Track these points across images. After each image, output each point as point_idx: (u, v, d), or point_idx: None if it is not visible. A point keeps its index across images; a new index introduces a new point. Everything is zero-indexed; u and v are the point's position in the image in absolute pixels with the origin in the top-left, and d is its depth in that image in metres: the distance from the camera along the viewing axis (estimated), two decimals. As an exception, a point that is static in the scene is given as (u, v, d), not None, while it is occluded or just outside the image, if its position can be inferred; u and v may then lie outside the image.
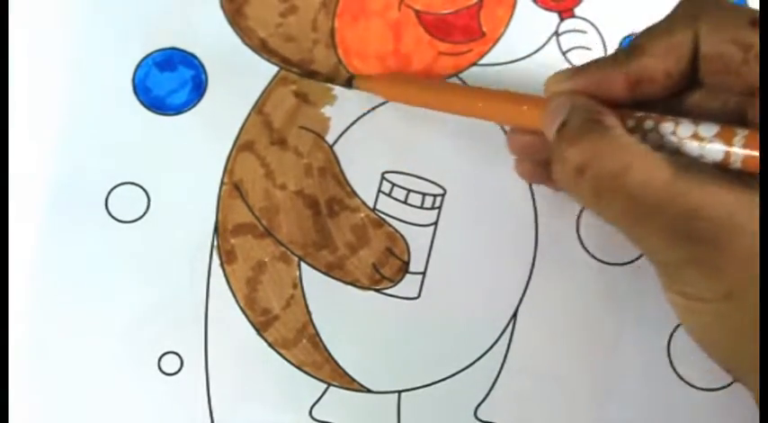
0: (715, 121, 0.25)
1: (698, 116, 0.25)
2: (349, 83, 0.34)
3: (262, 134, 0.34)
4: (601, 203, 0.25)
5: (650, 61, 0.26)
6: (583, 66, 0.28)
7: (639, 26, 0.36)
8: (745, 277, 0.23)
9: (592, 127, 0.25)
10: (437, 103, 0.32)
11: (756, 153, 0.23)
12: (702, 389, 0.33)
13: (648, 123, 0.25)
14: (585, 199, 0.25)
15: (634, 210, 0.24)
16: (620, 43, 0.36)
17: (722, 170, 0.24)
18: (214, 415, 0.32)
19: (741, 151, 0.23)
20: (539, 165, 0.32)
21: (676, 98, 0.27)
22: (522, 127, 0.30)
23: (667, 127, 0.25)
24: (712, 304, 0.24)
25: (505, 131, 0.35)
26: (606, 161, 0.24)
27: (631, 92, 0.26)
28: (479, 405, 0.33)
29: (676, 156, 0.24)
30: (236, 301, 0.33)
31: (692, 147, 0.24)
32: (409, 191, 0.34)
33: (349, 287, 0.33)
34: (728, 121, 0.25)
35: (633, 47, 0.26)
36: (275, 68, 0.34)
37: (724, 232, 0.22)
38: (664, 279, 0.25)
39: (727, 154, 0.24)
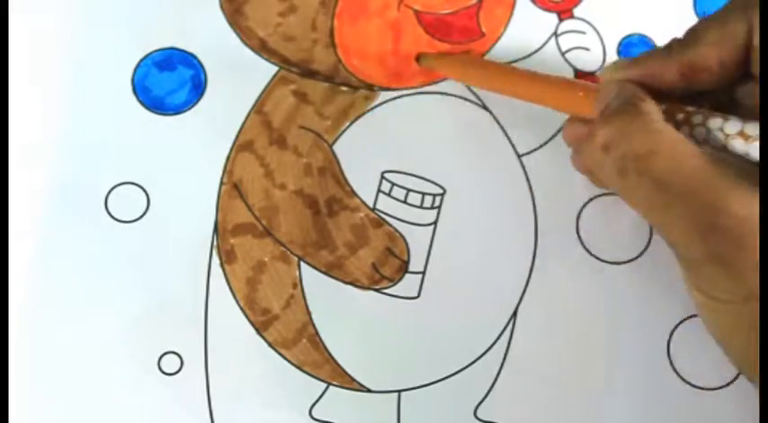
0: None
1: (748, 111, 0.25)
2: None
3: (261, 134, 0.34)
4: (625, 184, 0.25)
5: (705, 50, 0.26)
6: (639, 56, 0.28)
7: (638, 27, 0.37)
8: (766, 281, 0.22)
9: (626, 109, 0.25)
10: (497, 87, 0.32)
11: None
12: (702, 388, 0.33)
13: (697, 118, 0.25)
14: (610, 177, 0.25)
15: (658, 195, 0.24)
16: (619, 45, 0.36)
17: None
18: (214, 415, 0.32)
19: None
20: None
21: (729, 90, 0.27)
22: (575, 114, 0.30)
23: (715, 123, 0.25)
24: (731, 305, 0.23)
25: (506, 132, 0.35)
26: (633, 142, 0.24)
27: (685, 81, 0.26)
28: (479, 404, 0.33)
29: (719, 151, 0.24)
30: (236, 301, 0.33)
31: (738, 144, 0.24)
32: (409, 190, 0.34)
33: (349, 287, 0.33)
34: None
35: (688, 36, 0.26)
36: (275, 68, 0.34)
37: (748, 233, 0.22)
38: (685, 273, 0.25)
39: None
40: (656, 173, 0.23)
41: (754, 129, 0.24)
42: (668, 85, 0.27)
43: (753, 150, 0.24)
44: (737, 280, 0.23)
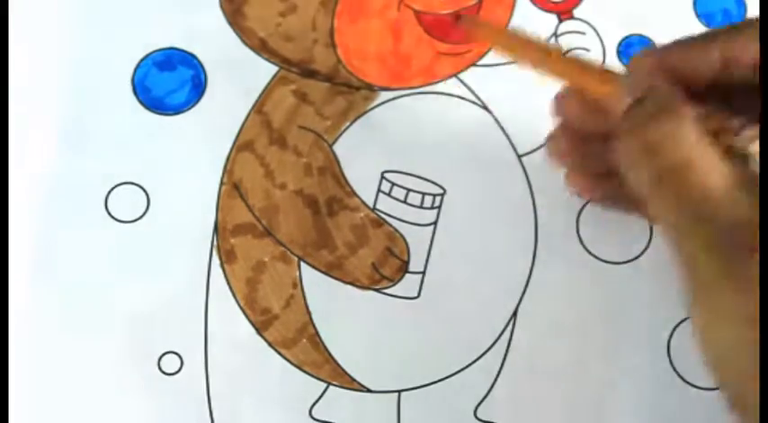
0: None
1: None
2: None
3: (261, 134, 0.34)
4: (657, 192, 0.24)
5: (744, 41, 0.25)
6: (674, 41, 0.26)
7: (638, 28, 0.37)
8: None
9: (669, 111, 0.24)
10: (530, 59, 0.30)
11: None
12: (702, 388, 0.33)
13: (731, 123, 0.24)
14: (643, 183, 0.24)
15: (687, 209, 0.23)
16: (619, 45, 0.37)
17: None
18: (214, 415, 0.32)
19: None
20: (594, 178, 0.31)
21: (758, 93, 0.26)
22: (588, 89, 0.28)
23: (748, 135, 0.24)
24: (735, 325, 0.23)
25: (506, 132, 0.35)
26: (675, 151, 0.23)
27: (720, 72, 0.25)
28: (479, 404, 0.33)
29: (744, 165, 0.23)
30: (236, 301, 0.33)
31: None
32: (409, 190, 0.34)
33: (349, 287, 0.33)
34: None
35: (730, 26, 0.26)
36: (275, 68, 0.34)
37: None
38: (694, 292, 0.24)
39: None
40: (689, 186, 0.23)
41: None
42: (700, 74, 0.25)
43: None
44: (746, 299, 0.22)
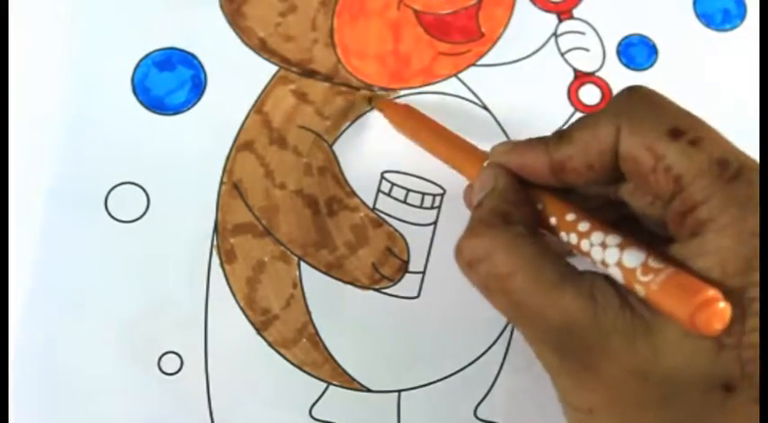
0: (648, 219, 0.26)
1: (633, 209, 0.26)
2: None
3: (261, 134, 0.34)
4: (490, 299, 0.26)
5: (573, 150, 0.26)
6: (520, 143, 0.28)
7: (638, 27, 0.37)
8: (606, 398, 0.23)
9: (493, 222, 0.25)
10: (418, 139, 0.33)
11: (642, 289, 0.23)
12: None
13: (583, 225, 0.25)
14: (477, 289, 0.26)
15: (518, 313, 0.25)
16: (619, 45, 0.37)
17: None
18: (214, 414, 0.32)
19: (618, 272, 0.23)
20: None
21: (612, 186, 0.27)
22: (461, 173, 0.30)
23: (597, 236, 0.24)
24: (579, 414, 0.24)
25: (506, 132, 0.35)
26: (496, 262, 0.24)
27: (555, 178, 0.26)
28: (479, 404, 0.33)
29: (570, 265, 0.24)
30: (236, 301, 0.33)
31: (597, 255, 0.24)
32: (409, 190, 0.34)
33: (349, 286, 0.33)
34: (654, 221, 0.26)
35: (562, 133, 0.26)
36: (274, 68, 0.34)
37: (591, 350, 0.23)
38: (553, 383, 0.26)
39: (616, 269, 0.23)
40: (514, 293, 0.24)
41: (613, 240, 0.24)
42: (540, 179, 0.27)
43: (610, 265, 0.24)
44: (582, 393, 0.24)
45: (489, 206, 0.26)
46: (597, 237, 0.24)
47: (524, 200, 0.27)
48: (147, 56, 0.34)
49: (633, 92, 0.25)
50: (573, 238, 0.25)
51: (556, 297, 0.23)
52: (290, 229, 0.33)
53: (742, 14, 0.38)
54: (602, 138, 0.25)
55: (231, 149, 0.34)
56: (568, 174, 0.26)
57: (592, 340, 0.23)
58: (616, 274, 0.23)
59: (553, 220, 0.26)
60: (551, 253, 0.25)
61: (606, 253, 0.24)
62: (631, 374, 0.23)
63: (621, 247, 0.23)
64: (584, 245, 0.24)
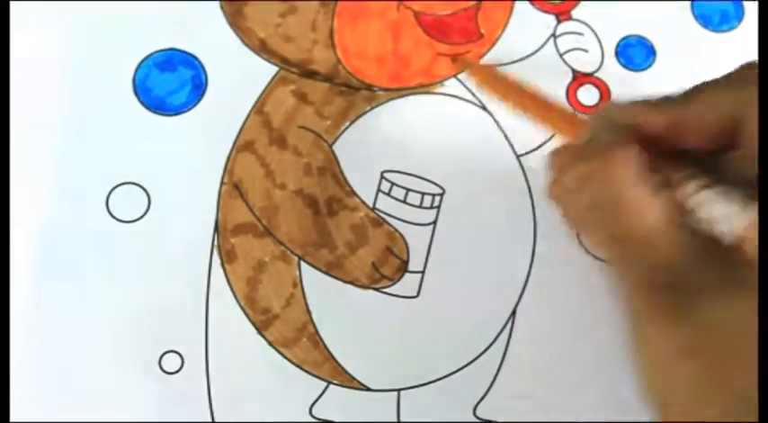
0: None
1: (736, 176, 0.25)
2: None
3: (261, 134, 0.34)
4: (591, 220, 0.25)
5: (691, 113, 0.25)
6: (631, 102, 0.27)
7: (636, 28, 0.37)
8: (703, 335, 0.23)
9: (610, 149, 0.25)
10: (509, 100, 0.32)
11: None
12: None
13: (681, 175, 0.25)
14: (578, 211, 0.26)
15: (616, 244, 0.24)
16: (617, 46, 0.37)
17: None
18: (214, 413, 0.32)
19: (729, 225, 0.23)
20: None
21: (723, 153, 0.27)
22: (557, 131, 0.30)
23: (694, 186, 0.25)
24: (670, 356, 0.24)
25: (505, 132, 0.35)
26: (606, 184, 0.24)
27: (670, 138, 0.26)
28: (478, 403, 0.33)
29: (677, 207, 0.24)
30: (237, 301, 0.33)
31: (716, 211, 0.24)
32: (408, 190, 0.34)
33: (349, 286, 0.33)
34: None
35: (682, 94, 0.26)
36: (275, 68, 0.35)
37: (690, 293, 0.23)
38: (632, 323, 0.25)
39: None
40: (623, 217, 0.24)
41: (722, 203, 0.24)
42: (655, 138, 0.26)
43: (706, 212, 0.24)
44: (676, 332, 0.23)
45: (605, 138, 0.26)
46: (717, 190, 0.24)
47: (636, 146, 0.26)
48: (148, 57, 0.34)
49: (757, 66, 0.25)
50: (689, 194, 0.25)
51: (671, 232, 0.23)
52: (290, 228, 0.33)
53: (740, 16, 0.38)
54: (723, 102, 0.25)
55: (231, 150, 0.34)
56: (683, 136, 0.26)
57: (697, 283, 0.23)
58: (727, 229, 0.23)
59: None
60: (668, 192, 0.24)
61: (721, 208, 0.24)
62: (727, 323, 0.22)
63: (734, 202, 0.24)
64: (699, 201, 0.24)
